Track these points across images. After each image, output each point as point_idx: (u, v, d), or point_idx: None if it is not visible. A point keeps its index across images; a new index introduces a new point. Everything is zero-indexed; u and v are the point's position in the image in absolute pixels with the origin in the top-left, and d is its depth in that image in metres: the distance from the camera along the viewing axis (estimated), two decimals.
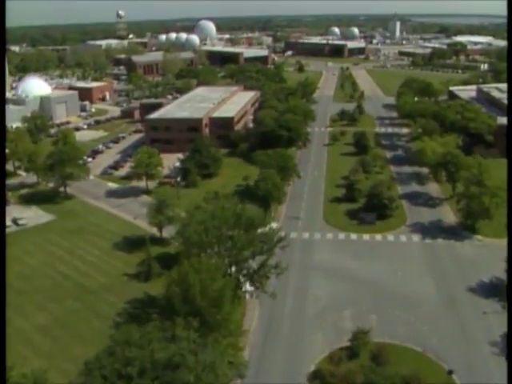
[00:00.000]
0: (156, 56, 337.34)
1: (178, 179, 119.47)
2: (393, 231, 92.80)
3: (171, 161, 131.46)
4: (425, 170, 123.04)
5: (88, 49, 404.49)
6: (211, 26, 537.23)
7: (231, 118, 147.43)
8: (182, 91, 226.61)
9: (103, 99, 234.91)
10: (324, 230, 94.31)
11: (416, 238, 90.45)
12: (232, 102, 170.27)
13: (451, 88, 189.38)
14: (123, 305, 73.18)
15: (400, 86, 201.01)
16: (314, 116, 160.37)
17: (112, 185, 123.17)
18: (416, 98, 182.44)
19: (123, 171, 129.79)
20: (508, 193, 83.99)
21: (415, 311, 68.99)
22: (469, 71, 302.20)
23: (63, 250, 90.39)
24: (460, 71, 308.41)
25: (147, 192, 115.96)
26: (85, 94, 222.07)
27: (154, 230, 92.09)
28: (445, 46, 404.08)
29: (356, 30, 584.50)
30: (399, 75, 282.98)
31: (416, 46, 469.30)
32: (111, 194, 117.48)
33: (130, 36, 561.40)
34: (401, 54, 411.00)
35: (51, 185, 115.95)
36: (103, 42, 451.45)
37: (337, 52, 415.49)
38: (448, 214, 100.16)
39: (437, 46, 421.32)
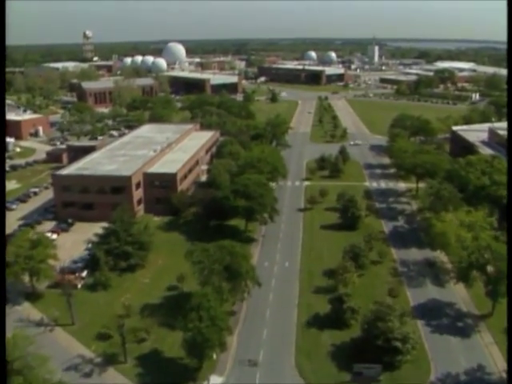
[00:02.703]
0: (110, 82, 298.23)
1: (84, 274, 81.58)
2: None
3: (84, 239, 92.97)
4: (440, 256, 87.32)
5: (42, 72, 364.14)
6: (180, 49, 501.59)
7: (173, 175, 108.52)
8: (133, 126, 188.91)
9: (36, 135, 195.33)
10: None
11: None
12: (180, 148, 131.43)
13: (455, 128, 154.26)
14: None
15: (391, 125, 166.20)
16: (286, 172, 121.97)
17: None
18: (412, 139, 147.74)
19: None
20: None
21: None
22: (460, 102, 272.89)
23: None
24: (450, 102, 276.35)
25: (33, 297, 77.22)
26: (12, 129, 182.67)
27: None
28: (427, 73, 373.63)
29: (333, 55, 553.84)
30: (384, 106, 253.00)
31: (397, 72, 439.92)
32: None
33: (95, 58, 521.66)
34: (383, 81, 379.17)
35: None
36: (60, 65, 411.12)
37: (314, 78, 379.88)
38: (491, 351, 63.11)
39: (420, 72, 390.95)
